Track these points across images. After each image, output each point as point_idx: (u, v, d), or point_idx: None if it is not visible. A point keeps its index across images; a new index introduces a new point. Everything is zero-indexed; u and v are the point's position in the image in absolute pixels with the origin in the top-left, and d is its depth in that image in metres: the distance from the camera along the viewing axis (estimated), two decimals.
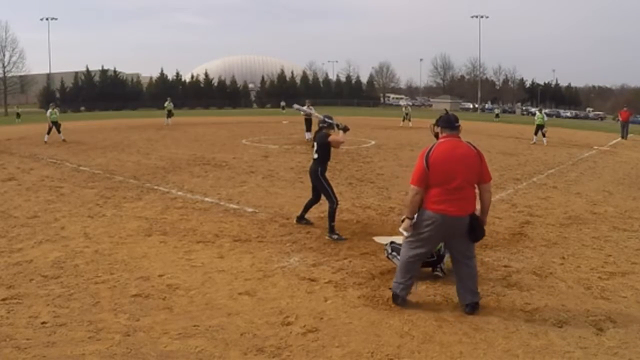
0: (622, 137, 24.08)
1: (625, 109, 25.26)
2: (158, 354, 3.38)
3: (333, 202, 6.27)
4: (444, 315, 4.02)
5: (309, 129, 18.22)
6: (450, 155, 4.03)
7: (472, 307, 4.08)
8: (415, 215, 4.12)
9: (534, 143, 19.72)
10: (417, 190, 4.04)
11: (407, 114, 30.62)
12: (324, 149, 6.43)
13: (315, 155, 6.43)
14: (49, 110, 18.88)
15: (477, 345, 3.56)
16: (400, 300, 4.18)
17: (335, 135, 6.42)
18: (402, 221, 4.19)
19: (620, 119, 25.30)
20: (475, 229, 4.07)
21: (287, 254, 5.54)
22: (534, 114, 24.52)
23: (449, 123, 4.18)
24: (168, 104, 29.63)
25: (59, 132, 18.41)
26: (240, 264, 5.20)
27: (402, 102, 31.86)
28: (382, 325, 3.85)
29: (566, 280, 4.88)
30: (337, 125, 6.40)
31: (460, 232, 4.07)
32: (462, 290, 4.14)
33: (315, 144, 6.50)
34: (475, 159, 4.07)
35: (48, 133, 18.16)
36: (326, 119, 6.45)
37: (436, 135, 4.37)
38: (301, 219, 6.79)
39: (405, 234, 4.19)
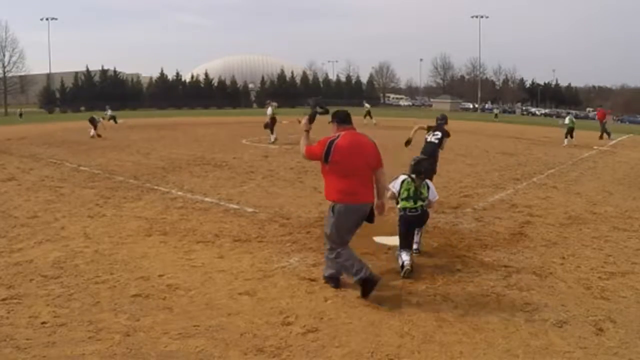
0: (607, 136, 23.72)
1: (600, 108, 25.37)
2: (158, 354, 3.38)
3: None
4: (444, 315, 4.02)
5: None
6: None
7: (335, 279, 4.51)
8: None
9: (569, 145, 19.46)
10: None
11: (368, 112, 30.87)
12: None
13: None
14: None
15: (477, 345, 3.57)
16: (369, 280, 4.34)
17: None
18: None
19: (597, 118, 25.39)
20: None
21: (287, 254, 5.54)
22: (563, 117, 24.97)
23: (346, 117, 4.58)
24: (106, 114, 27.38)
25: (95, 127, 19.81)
26: (240, 264, 5.20)
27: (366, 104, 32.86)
28: (382, 325, 3.85)
29: (566, 280, 4.88)
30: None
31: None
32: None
33: None
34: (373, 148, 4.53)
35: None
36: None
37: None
38: None
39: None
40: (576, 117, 22.97)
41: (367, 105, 32.73)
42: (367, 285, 4.30)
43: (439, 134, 7.63)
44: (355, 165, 4.34)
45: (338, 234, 4.40)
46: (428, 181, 5.24)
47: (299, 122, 4.84)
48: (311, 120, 4.60)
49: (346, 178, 4.32)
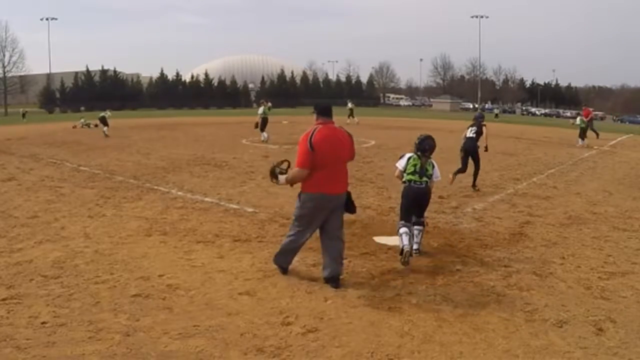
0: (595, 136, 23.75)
1: (584, 107, 25.17)
2: (158, 354, 3.38)
3: None
4: (444, 315, 4.03)
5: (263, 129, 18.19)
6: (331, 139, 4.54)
7: (334, 280, 4.52)
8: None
9: (582, 146, 19.37)
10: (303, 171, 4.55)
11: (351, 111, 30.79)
12: None
13: None
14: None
15: (477, 345, 3.57)
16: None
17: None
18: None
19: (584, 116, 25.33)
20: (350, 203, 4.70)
21: None
22: (575, 117, 25.06)
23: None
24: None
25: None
26: (240, 264, 5.20)
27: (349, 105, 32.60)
28: (382, 325, 3.85)
29: (566, 280, 4.88)
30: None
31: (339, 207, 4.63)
32: (328, 262, 4.60)
33: None
34: (349, 140, 4.65)
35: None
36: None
37: None
38: None
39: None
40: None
41: (350, 104, 32.26)
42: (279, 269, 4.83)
43: (474, 129, 9.57)
44: (328, 158, 4.44)
45: (299, 221, 4.63)
46: (433, 161, 5.43)
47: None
48: (275, 176, 4.78)
49: (319, 170, 4.43)
